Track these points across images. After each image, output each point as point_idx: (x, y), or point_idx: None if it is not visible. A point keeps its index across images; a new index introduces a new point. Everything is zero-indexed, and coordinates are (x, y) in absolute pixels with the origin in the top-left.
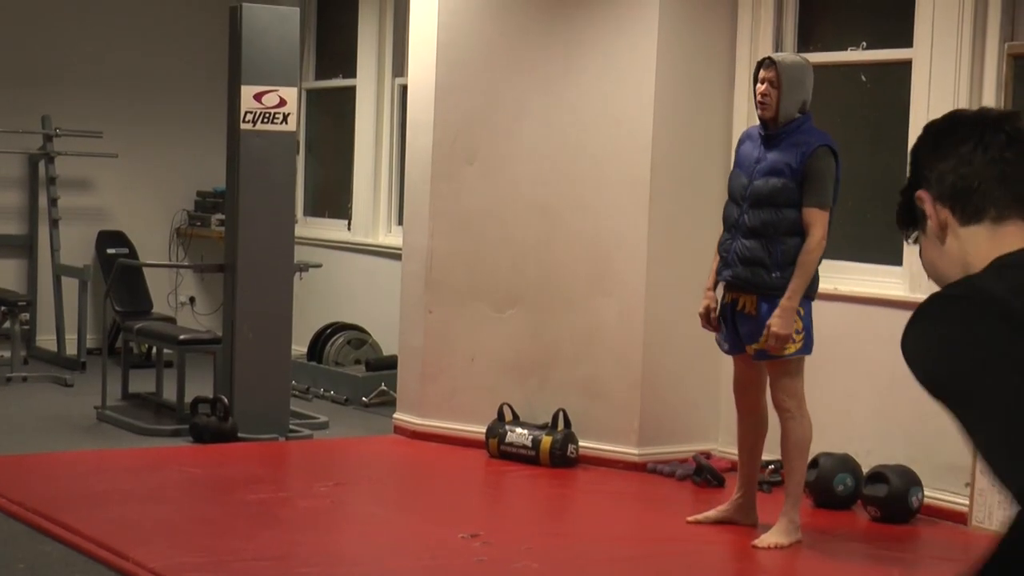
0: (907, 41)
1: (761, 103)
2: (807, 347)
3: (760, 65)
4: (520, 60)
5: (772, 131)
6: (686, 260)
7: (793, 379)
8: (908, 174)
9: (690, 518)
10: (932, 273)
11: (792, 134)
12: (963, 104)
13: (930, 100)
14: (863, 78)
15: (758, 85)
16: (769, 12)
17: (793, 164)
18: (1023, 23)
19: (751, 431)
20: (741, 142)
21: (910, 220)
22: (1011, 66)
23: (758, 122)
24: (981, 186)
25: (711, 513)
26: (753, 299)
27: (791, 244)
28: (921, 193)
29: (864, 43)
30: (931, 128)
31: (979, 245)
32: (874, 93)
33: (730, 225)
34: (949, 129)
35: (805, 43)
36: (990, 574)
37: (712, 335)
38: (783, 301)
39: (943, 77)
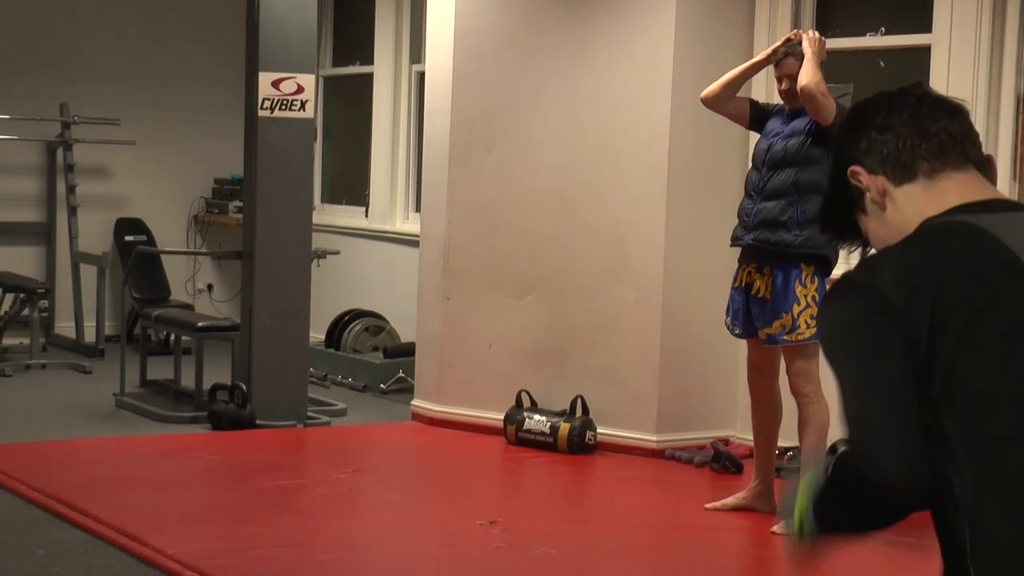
0: (926, 26)
1: (785, 98)
2: None
3: (778, 52)
4: (537, 47)
5: (796, 107)
6: (704, 248)
7: (809, 363)
8: (832, 175)
9: (708, 505)
10: (880, 245)
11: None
12: (983, 89)
13: (948, 86)
14: (881, 64)
15: (779, 84)
16: (786, 0)
17: (809, 124)
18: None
19: (766, 417)
20: (771, 113)
21: (840, 222)
22: None
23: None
24: (906, 143)
25: (729, 500)
26: (768, 281)
27: (811, 204)
28: (854, 168)
29: (883, 28)
30: (846, 118)
31: (916, 204)
32: (893, 79)
33: (751, 189)
34: (860, 110)
35: (824, 29)
36: (824, 500)
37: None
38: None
39: (962, 62)
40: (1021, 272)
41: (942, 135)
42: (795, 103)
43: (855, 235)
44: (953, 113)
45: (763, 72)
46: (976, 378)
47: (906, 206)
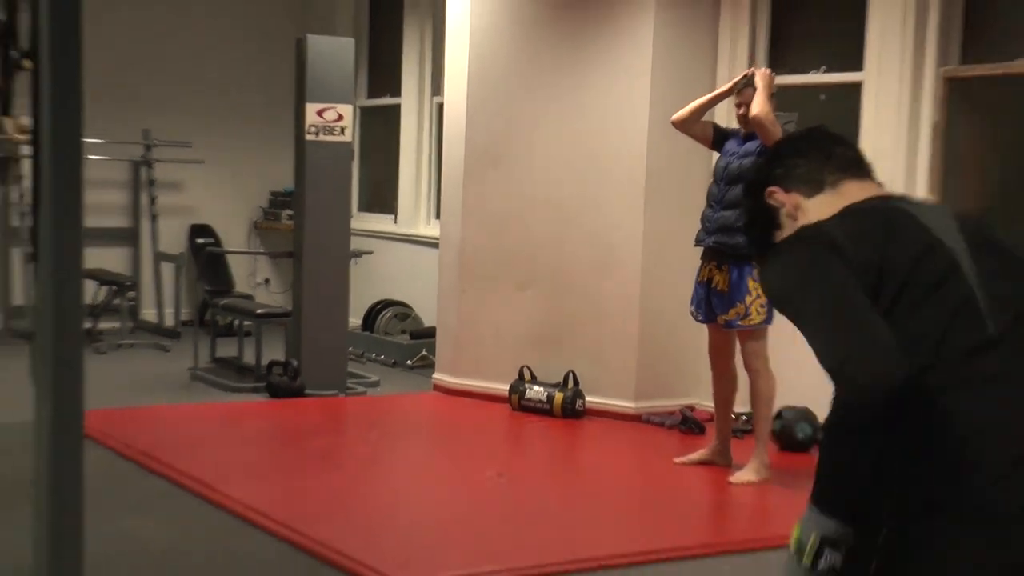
0: (859, 66)
1: (742, 122)
2: (769, 319)
3: (738, 85)
4: (536, 83)
5: (748, 133)
6: (676, 249)
7: (759, 343)
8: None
9: (677, 459)
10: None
11: None
12: (904, 118)
13: (877, 114)
14: (822, 97)
15: (738, 109)
16: (744, 41)
17: (759, 146)
18: (955, 50)
19: (724, 388)
20: (727, 136)
21: (766, 240)
22: (946, 87)
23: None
24: (814, 164)
25: (694, 455)
26: (725, 276)
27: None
28: (772, 188)
29: (824, 67)
30: (767, 153)
31: (824, 208)
32: (831, 110)
33: (712, 200)
34: (776, 147)
35: (774, 66)
36: (827, 448)
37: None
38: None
39: (888, 97)
40: (936, 241)
41: (842, 156)
42: (749, 128)
43: (767, 246)
44: (848, 144)
45: (725, 101)
46: (913, 315)
47: (813, 212)
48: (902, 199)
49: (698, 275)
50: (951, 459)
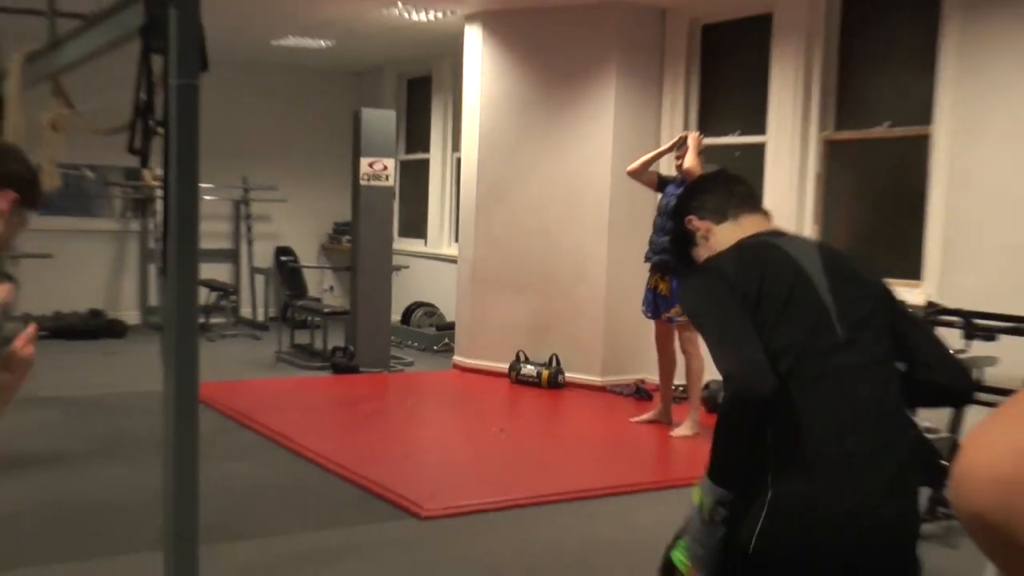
0: (763, 130)
1: (679, 171)
2: None
3: (676, 144)
4: (528, 142)
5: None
6: (631, 264)
7: (692, 334)
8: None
9: (632, 419)
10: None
11: None
12: (796, 169)
13: (776, 170)
14: (736, 153)
15: (676, 161)
16: (680, 110)
17: None
18: (831, 119)
19: (667, 366)
20: (667, 183)
21: (681, 253)
22: (825, 147)
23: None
24: (720, 199)
25: (644, 416)
26: (668, 284)
27: None
28: (690, 217)
29: (739, 131)
30: (685, 189)
31: (728, 234)
32: (743, 164)
33: (657, 229)
34: (693, 184)
35: (703, 129)
36: (718, 435)
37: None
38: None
39: (783, 154)
40: (801, 270)
41: (740, 194)
42: (684, 176)
43: (688, 263)
44: (745, 183)
45: (666, 157)
46: (783, 330)
47: (721, 236)
48: (779, 235)
49: (647, 283)
50: (796, 440)
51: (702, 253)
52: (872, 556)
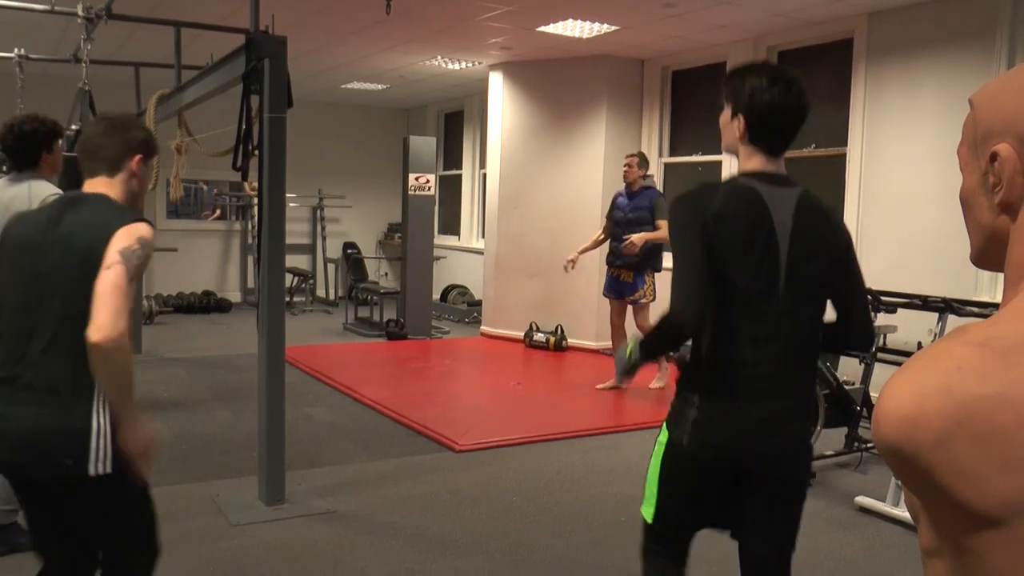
0: (719, 150)
1: (626, 176)
2: (654, 298)
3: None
4: (539, 161)
5: (632, 190)
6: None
7: (646, 313)
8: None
9: (598, 386)
10: (725, 141)
11: (642, 191)
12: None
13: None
14: (699, 169)
15: (624, 168)
16: (655, 137)
17: (646, 204)
18: (667, 145)
19: (619, 340)
20: (616, 196)
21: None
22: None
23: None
24: (756, 130)
25: (607, 383)
26: (630, 275)
27: (647, 248)
28: (737, 112)
29: (700, 152)
30: (754, 79)
31: (742, 156)
32: (706, 175)
33: (615, 238)
34: (763, 94)
35: (673, 150)
36: (656, 335)
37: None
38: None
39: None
40: (769, 224)
41: (774, 136)
42: (633, 187)
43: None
44: (789, 127)
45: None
46: (735, 270)
47: (742, 154)
48: (769, 179)
49: (609, 274)
50: (721, 364)
51: (724, 133)
52: (774, 465)
